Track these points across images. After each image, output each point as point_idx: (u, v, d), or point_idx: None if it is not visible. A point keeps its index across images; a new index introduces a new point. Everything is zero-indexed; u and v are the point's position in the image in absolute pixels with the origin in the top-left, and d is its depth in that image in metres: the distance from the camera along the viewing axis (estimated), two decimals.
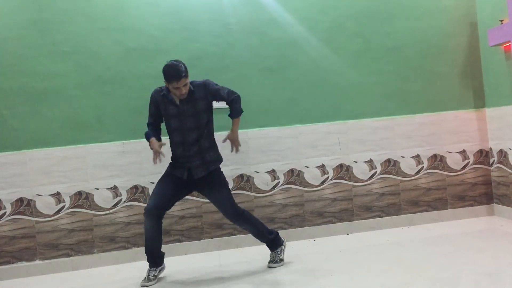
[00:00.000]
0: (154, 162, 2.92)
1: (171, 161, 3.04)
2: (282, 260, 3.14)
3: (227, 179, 3.66)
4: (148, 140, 2.99)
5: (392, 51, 3.93)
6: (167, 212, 3.15)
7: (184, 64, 2.84)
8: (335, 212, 3.84)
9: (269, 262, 3.13)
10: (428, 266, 2.83)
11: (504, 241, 3.25)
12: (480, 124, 4.03)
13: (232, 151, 3.08)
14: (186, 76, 2.82)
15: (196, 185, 3.01)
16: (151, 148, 2.94)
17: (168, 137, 3.00)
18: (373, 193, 3.89)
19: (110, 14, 3.58)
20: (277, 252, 3.16)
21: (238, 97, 3.05)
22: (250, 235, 3.21)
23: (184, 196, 3.12)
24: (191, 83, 2.93)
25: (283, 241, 3.21)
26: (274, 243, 3.16)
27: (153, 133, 3.01)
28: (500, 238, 3.35)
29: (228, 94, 3.02)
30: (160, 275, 3.08)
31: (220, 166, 3.08)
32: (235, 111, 3.05)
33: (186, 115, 2.92)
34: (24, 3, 3.48)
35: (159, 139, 3.02)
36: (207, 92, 2.95)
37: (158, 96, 2.97)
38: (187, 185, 3.00)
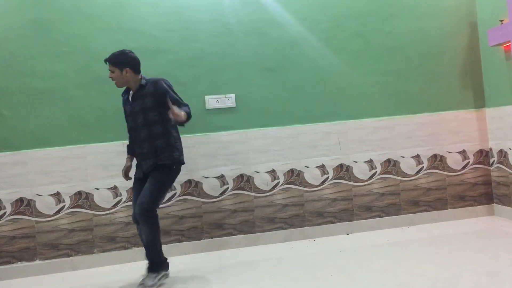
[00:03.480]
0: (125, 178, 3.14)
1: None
2: (154, 285, 2.84)
3: (227, 179, 3.69)
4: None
5: (392, 51, 3.93)
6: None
7: (126, 54, 2.93)
8: (335, 212, 3.84)
9: (142, 280, 2.87)
10: (428, 266, 2.83)
11: (504, 241, 3.25)
12: (480, 124, 4.03)
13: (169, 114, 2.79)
14: (112, 63, 2.89)
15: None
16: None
17: None
18: (373, 193, 3.89)
19: (110, 14, 3.58)
20: (155, 276, 2.88)
21: (188, 106, 2.92)
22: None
23: None
24: (147, 79, 2.99)
25: (167, 274, 2.99)
26: (158, 267, 2.92)
27: (130, 146, 3.14)
28: (500, 238, 3.35)
29: (177, 101, 2.87)
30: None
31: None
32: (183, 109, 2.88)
33: (136, 111, 2.96)
34: (24, 3, 3.48)
35: (129, 153, 3.16)
36: (155, 89, 2.91)
37: (122, 98, 3.10)
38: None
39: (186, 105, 2.94)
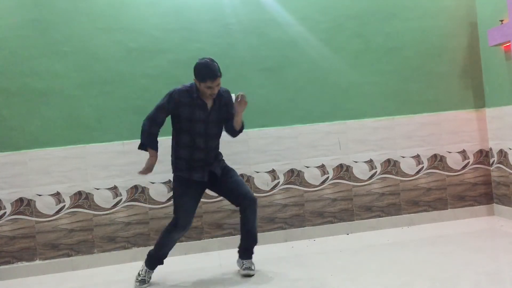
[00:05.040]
0: (141, 173, 2.87)
1: (181, 163, 2.86)
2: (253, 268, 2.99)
3: None
4: (145, 146, 2.85)
5: (392, 51, 3.93)
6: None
7: (218, 63, 2.80)
8: (335, 212, 3.84)
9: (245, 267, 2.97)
10: (428, 266, 2.83)
11: (504, 241, 3.25)
12: (480, 124, 4.03)
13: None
14: (221, 75, 2.78)
15: (211, 183, 2.93)
16: (149, 160, 2.84)
17: (180, 139, 2.85)
18: (373, 193, 3.89)
19: (110, 14, 3.58)
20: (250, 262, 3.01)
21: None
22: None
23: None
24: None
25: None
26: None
27: (151, 139, 2.84)
28: (500, 238, 3.35)
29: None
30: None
31: None
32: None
33: (213, 121, 2.86)
34: (24, 3, 3.48)
35: (156, 149, 2.86)
36: (228, 100, 2.94)
37: (184, 98, 2.80)
38: (204, 186, 2.95)
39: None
